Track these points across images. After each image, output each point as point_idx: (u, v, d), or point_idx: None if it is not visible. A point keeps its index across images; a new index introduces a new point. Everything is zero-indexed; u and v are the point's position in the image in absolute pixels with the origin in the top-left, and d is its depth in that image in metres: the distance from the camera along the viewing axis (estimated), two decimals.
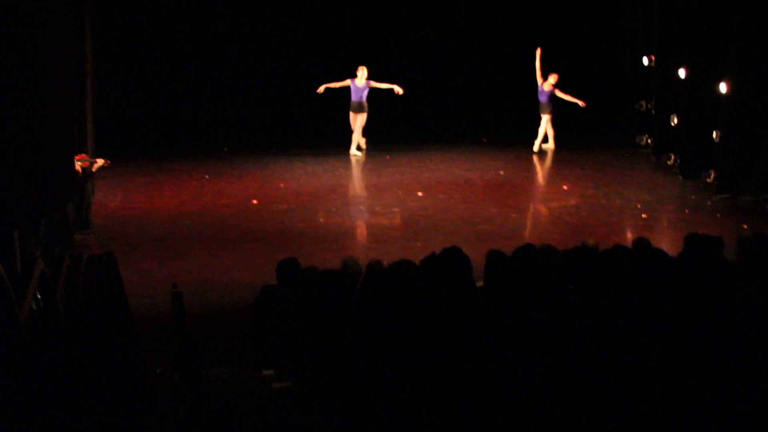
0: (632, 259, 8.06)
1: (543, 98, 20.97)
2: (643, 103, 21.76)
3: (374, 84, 20.55)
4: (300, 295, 8.45)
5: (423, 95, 23.51)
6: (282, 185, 18.87)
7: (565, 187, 18.38)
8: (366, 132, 20.87)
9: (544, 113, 20.99)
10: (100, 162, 15.86)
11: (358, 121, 20.63)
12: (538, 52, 20.81)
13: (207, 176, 19.60)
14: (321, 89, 20.58)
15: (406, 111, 22.77)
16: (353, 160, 20.61)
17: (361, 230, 16.55)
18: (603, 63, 23.50)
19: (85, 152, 16.41)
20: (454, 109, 23.80)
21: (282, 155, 21.20)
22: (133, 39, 22.64)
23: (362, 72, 20.52)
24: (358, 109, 20.57)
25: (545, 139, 21.18)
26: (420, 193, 18.04)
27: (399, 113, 22.18)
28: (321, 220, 16.57)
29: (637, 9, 21.82)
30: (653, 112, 21.04)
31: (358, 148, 20.95)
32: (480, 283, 8.00)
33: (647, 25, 21.27)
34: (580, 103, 20.70)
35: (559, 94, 20.78)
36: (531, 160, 20.82)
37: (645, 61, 21.34)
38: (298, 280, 8.92)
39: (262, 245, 14.99)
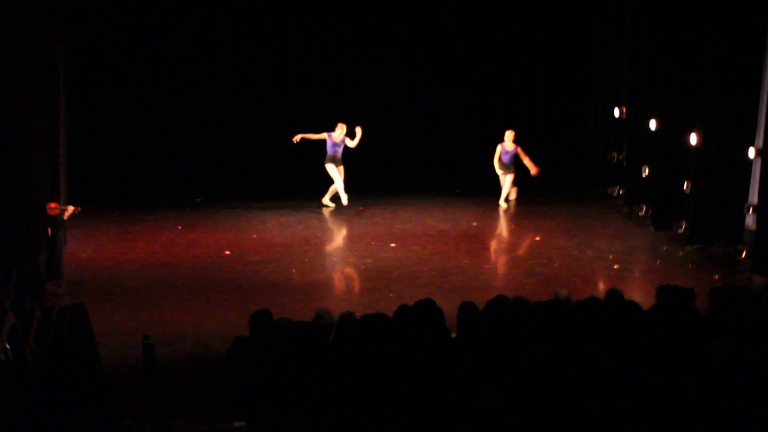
0: (604, 310, 8.10)
1: (506, 159, 21.03)
2: (615, 155, 21.93)
3: (349, 142, 20.61)
4: (273, 347, 8.43)
5: (396, 146, 23.63)
6: (255, 236, 18.84)
7: (537, 239, 18.42)
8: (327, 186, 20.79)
9: (509, 173, 20.99)
10: (70, 209, 15.80)
11: (337, 173, 20.56)
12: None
13: (180, 226, 19.56)
14: (297, 138, 20.58)
15: (379, 162, 22.84)
16: (325, 211, 20.60)
17: (334, 281, 16.52)
18: (574, 114, 23.74)
19: (57, 200, 16.36)
20: (426, 161, 23.87)
21: (255, 206, 21.18)
22: (106, 88, 22.68)
23: (341, 128, 20.57)
24: (335, 162, 20.60)
25: (508, 197, 21.19)
26: (393, 244, 18.05)
27: (372, 164, 22.24)
28: (293, 271, 16.52)
29: (608, 60, 22.07)
30: (624, 163, 21.20)
31: (332, 199, 20.88)
32: (453, 335, 8.01)
33: (618, 76, 21.49)
34: (533, 170, 20.73)
35: (521, 154, 20.84)
36: (503, 211, 20.88)
37: (616, 112, 21.54)
38: (271, 331, 8.90)
39: (234, 296, 14.93)
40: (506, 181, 21.17)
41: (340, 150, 20.61)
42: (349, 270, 16.70)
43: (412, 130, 24.01)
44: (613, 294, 9.52)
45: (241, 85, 23.32)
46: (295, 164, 21.89)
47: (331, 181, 20.74)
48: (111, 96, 22.69)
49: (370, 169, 22.19)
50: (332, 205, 20.85)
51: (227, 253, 17.57)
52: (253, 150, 23.17)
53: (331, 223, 19.94)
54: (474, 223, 19.77)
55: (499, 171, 21.24)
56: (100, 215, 19.94)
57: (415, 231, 19.14)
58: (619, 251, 17.37)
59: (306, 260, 17.07)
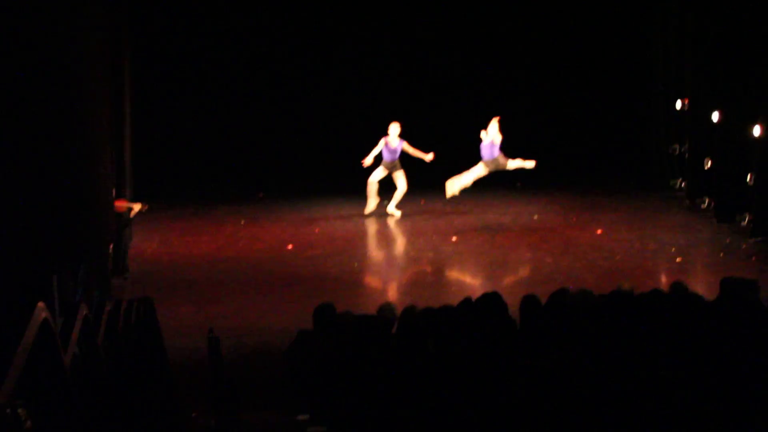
0: (668, 303, 8.03)
1: (390, 156, 19.51)
2: (677, 147, 21.70)
3: (408, 147, 19.36)
4: (336, 340, 8.47)
5: (458, 140, 23.58)
6: (317, 230, 18.93)
7: (599, 232, 18.31)
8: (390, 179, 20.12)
9: (396, 170, 19.55)
10: (137, 207, 15.97)
11: (400, 178, 19.43)
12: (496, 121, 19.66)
13: (243, 221, 19.71)
14: (367, 162, 19.25)
15: (441, 155, 22.83)
16: (390, 211, 20.14)
17: (396, 275, 16.55)
18: (636, 107, 23.55)
19: (124, 197, 16.57)
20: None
21: (317, 200, 21.29)
22: (172, 83, 22.97)
23: (395, 128, 19.25)
24: (393, 168, 19.40)
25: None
26: (454, 238, 18.05)
27: (437, 158, 22.26)
28: (356, 264, 16.58)
29: (671, 52, 21.82)
30: (687, 155, 20.97)
31: (398, 206, 19.75)
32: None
33: (680, 68, 21.25)
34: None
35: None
36: (565, 204, 20.77)
37: (678, 104, 21.31)
38: (334, 325, 8.94)
39: (296, 290, 15.01)
40: (398, 180, 19.51)
41: (397, 155, 19.37)
42: (410, 264, 16.72)
43: (476, 123, 23.98)
44: (677, 286, 9.44)
45: (308, 80, 23.50)
46: (357, 158, 21.89)
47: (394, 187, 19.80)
48: (176, 91, 22.97)
49: (431, 162, 22.20)
50: (398, 213, 19.70)
51: (290, 247, 17.67)
52: (316, 144, 23.28)
53: (392, 218, 19.94)
54: (535, 217, 19.70)
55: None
56: (165, 210, 20.14)
57: (476, 224, 19.11)
58: (681, 244, 17.21)
59: (368, 254, 17.11)
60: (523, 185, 22.50)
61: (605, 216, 19.59)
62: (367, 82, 23.67)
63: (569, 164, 23.36)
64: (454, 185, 19.52)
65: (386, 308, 9.16)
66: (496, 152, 19.22)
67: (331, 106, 23.36)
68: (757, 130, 17.37)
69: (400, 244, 18.26)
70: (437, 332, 7.70)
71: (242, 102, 23.43)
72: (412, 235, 18.49)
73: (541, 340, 7.60)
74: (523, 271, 15.84)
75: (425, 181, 21.52)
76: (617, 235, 18.05)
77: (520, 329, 8.01)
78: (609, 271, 15.63)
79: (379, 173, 19.53)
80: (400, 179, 19.49)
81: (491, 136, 19.09)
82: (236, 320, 13.66)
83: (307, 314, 9.48)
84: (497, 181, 22.57)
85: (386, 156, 19.47)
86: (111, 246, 15.31)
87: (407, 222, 19.46)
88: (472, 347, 7.23)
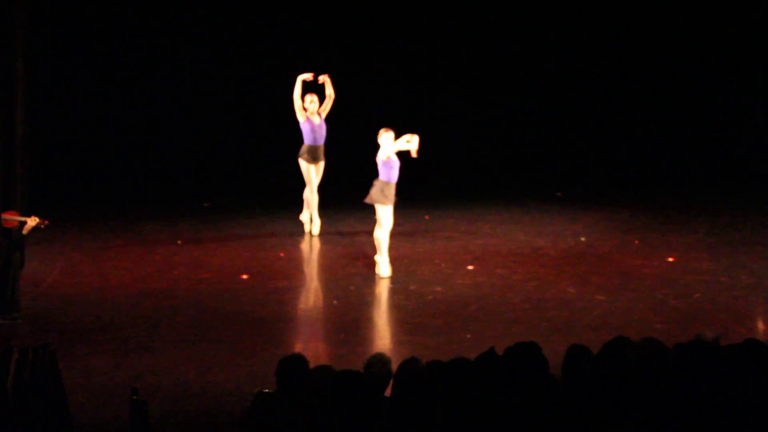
0: (767, 357, 8.02)
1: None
2: None
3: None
4: (308, 406, 8.43)
5: (474, 136, 23.72)
6: (282, 254, 18.90)
7: (670, 259, 18.33)
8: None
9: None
10: (32, 222, 15.87)
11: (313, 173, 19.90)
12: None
13: (179, 241, 19.67)
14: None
15: (452, 157, 22.91)
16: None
17: (391, 317, 16.53)
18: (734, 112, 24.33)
19: (13, 209, 16.50)
20: (517, 155, 23.97)
21: (282, 212, 21.26)
22: (79, 73, 23.23)
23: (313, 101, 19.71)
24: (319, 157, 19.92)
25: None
26: (470, 267, 18.03)
27: (442, 160, 22.29)
28: (335, 302, 16.54)
29: None
30: None
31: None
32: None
33: None
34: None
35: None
36: (623, 222, 20.80)
37: None
38: (306, 384, 8.90)
39: (254, 336, 14.96)
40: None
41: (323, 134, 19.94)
42: (410, 302, 16.69)
43: (498, 118, 24.29)
44: None
45: (262, 50, 23.81)
46: (336, 162, 21.82)
47: None
48: (86, 81, 23.21)
49: (440, 167, 22.26)
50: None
51: (245, 277, 17.64)
52: (278, 140, 23.31)
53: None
54: (582, 239, 19.72)
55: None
56: (72, 226, 20.09)
57: (500, 249, 19.11)
58: None
59: (352, 287, 17.08)
60: (565, 195, 22.54)
61: (679, 238, 19.62)
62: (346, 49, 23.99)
63: (630, 168, 23.42)
64: None
65: (377, 362, 9.12)
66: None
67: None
68: None
69: (396, 274, 18.23)
70: (448, 396, 7.66)
71: (177, 83, 23.61)
72: (412, 262, 18.47)
73: (591, 407, 7.57)
74: (566, 314, 15.81)
75: (430, 191, 21.58)
76: (696, 264, 18.05)
77: (564, 392, 7.98)
78: (685, 314, 15.64)
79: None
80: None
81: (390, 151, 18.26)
82: (170, 378, 13.60)
83: (268, 370, 9.45)
84: (529, 190, 22.67)
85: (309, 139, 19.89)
86: None
87: (406, 244, 19.45)
88: (497, 417, 7.20)
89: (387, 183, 17.22)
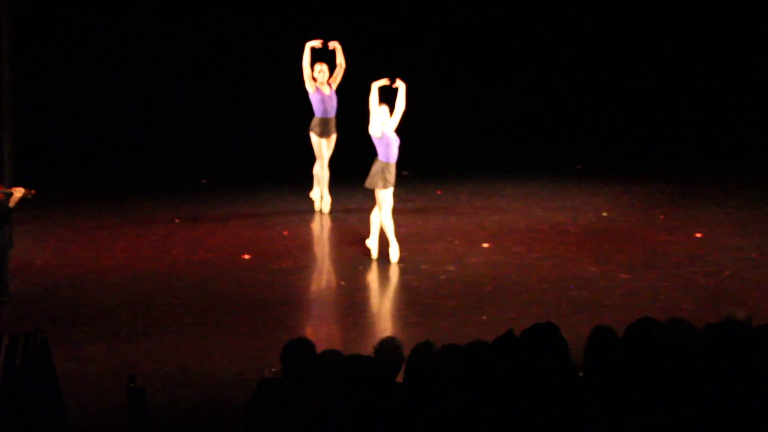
0: None
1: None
2: None
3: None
4: (315, 392, 8.45)
5: (489, 104, 23.70)
6: (286, 233, 18.91)
7: (698, 235, 18.33)
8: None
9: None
10: (18, 193, 15.81)
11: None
12: None
13: (177, 219, 19.68)
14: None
15: (465, 127, 22.89)
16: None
17: (402, 298, 16.53)
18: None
19: None
20: (533, 125, 23.96)
21: (285, 188, 21.26)
22: (72, 35, 23.28)
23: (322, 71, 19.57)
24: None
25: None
26: (486, 245, 18.03)
27: (454, 130, 22.28)
28: (342, 283, 16.56)
29: None
30: None
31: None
32: (580, 374, 7.99)
33: None
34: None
35: None
36: (647, 196, 20.77)
37: None
38: (312, 370, 8.91)
39: (257, 320, 15.00)
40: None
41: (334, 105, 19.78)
42: (422, 281, 16.70)
43: (514, 85, 24.30)
44: None
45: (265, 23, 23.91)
46: (347, 135, 21.78)
47: None
48: (79, 52, 23.27)
49: (452, 139, 22.23)
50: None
51: (246, 257, 17.65)
52: (283, 112, 23.32)
53: (395, 213, 19.91)
54: (604, 214, 19.70)
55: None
56: (64, 204, 20.10)
57: (517, 225, 19.11)
58: None
59: (360, 268, 17.09)
60: (585, 168, 22.52)
61: (707, 213, 19.61)
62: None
63: (654, 139, 23.36)
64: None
65: (388, 346, 9.11)
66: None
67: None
68: None
69: (407, 252, 18.22)
70: (464, 380, 7.67)
71: (174, 56, 23.66)
72: (424, 240, 18.46)
73: (615, 392, 7.58)
74: (588, 293, 15.81)
75: (442, 164, 21.56)
76: (725, 240, 18.06)
77: (586, 375, 7.99)
78: (713, 292, 15.66)
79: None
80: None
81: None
82: (169, 364, 13.64)
83: (272, 355, 9.46)
84: (546, 163, 22.64)
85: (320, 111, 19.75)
86: None
87: (417, 220, 19.43)
88: (515, 402, 7.21)
89: (386, 163, 17.12)
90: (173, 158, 23.00)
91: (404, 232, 18.07)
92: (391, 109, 17.13)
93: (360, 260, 17.41)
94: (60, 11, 23.57)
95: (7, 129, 17.87)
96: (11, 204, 15.64)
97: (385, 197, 17.05)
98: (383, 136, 16.97)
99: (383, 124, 16.92)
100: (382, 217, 17.16)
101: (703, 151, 23.35)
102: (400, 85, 17.33)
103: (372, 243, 17.34)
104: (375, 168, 17.05)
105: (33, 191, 15.84)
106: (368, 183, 17.12)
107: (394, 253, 17.22)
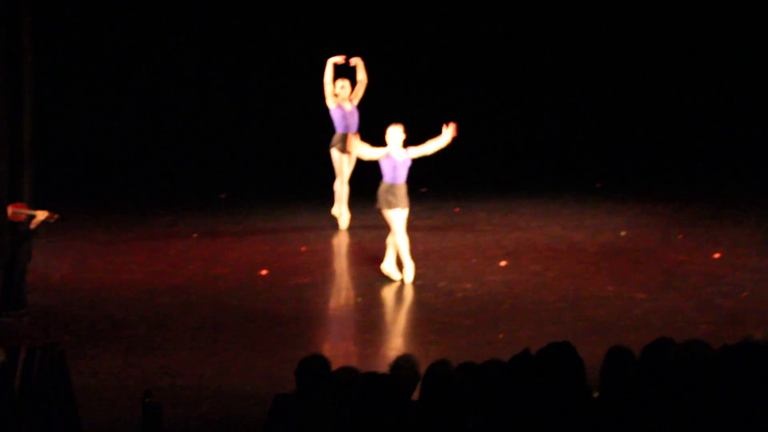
0: None
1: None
2: None
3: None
4: (330, 409, 8.44)
5: (509, 122, 23.72)
6: (303, 249, 18.93)
7: (716, 255, 18.30)
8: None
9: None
10: (41, 215, 15.90)
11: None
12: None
13: (195, 234, 19.71)
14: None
15: (484, 146, 22.91)
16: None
17: (418, 316, 16.53)
18: None
19: (21, 200, 16.54)
20: (553, 144, 23.98)
21: (303, 204, 21.29)
22: (91, 62, 23.46)
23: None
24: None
25: None
26: (503, 263, 18.02)
27: (473, 148, 22.29)
28: (359, 299, 16.56)
29: None
30: None
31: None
32: (595, 394, 7.97)
33: None
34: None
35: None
36: (666, 215, 20.76)
37: None
38: (328, 387, 8.91)
39: (273, 336, 15.01)
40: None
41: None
42: (439, 300, 16.70)
43: (533, 104, 24.34)
44: None
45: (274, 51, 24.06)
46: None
47: None
48: (97, 68, 23.47)
49: (471, 157, 22.25)
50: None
51: (264, 273, 17.66)
52: (299, 130, 23.41)
53: (413, 231, 19.93)
54: (622, 233, 19.68)
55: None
56: (81, 219, 20.14)
57: (535, 244, 19.11)
58: None
59: (377, 284, 17.09)
60: (605, 186, 22.51)
61: (726, 233, 19.59)
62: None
63: (674, 158, 23.37)
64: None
65: (405, 364, 9.10)
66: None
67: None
68: None
69: (424, 270, 18.22)
70: (480, 399, 7.67)
71: (194, 73, 23.75)
72: (441, 258, 18.46)
73: (631, 413, 7.56)
74: (605, 313, 15.78)
75: (460, 181, 21.57)
76: (744, 261, 18.02)
77: (602, 396, 7.97)
78: (732, 313, 15.62)
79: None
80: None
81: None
82: (185, 379, 13.64)
83: (288, 371, 9.45)
84: (566, 181, 22.65)
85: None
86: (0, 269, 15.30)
87: (435, 238, 19.45)
88: (530, 421, 7.20)
89: (391, 185, 17.00)
90: (193, 173, 23.08)
91: (421, 249, 18.08)
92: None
93: (377, 277, 17.41)
94: (83, 26, 23.72)
95: (28, 148, 17.96)
96: (32, 226, 15.73)
97: (392, 218, 16.96)
98: (388, 157, 16.86)
99: (406, 150, 16.83)
100: (394, 238, 17.08)
101: (722, 171, 23.34)
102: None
103: (388, 267, 17.21)
104: (380, 189, 16.98)
105: (56, 215, 15.93)
106: (376, 204, 17.07)
107: (409, 273, 17.15)
